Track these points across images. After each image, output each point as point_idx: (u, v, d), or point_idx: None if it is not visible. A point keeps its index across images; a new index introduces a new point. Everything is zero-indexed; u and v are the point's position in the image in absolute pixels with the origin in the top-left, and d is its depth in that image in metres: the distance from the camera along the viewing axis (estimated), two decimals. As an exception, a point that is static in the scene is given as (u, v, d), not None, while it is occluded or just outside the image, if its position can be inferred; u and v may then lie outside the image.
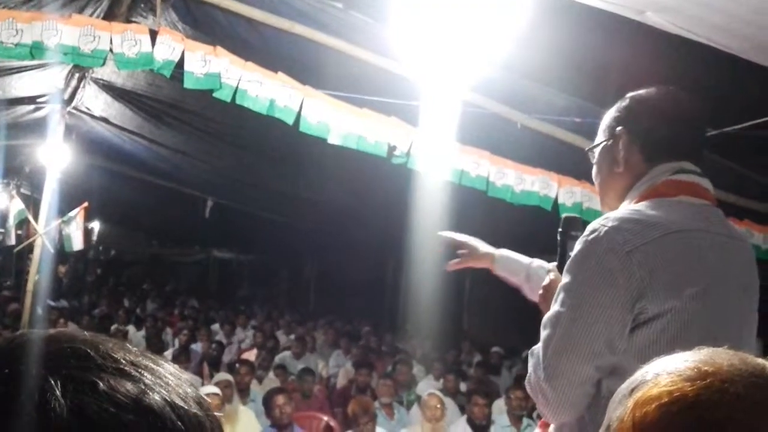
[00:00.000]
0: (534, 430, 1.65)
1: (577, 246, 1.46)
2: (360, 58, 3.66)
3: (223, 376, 6.04)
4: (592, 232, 1.44)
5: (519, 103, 3.93)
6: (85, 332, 0.58)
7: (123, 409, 0.50)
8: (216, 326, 11.24)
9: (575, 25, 3.04)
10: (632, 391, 0.72)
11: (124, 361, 0.54)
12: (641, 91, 1.64)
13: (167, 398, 0.53)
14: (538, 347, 1.49)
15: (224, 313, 12.83)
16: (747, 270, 1.55)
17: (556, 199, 4.27)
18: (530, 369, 1.51)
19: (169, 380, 0.55)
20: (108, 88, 5.27)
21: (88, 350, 0.53)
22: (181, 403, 0.54)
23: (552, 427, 1.54)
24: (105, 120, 6.15)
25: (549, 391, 1.43)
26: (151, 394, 0.52)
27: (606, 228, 1.42)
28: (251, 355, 8.52)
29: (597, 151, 1.69)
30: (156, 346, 8.47)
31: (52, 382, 0.49)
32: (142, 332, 10.05)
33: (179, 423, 0.52)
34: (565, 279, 1.47)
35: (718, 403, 0.64)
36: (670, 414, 0.65)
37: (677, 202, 1.50)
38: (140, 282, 19.86)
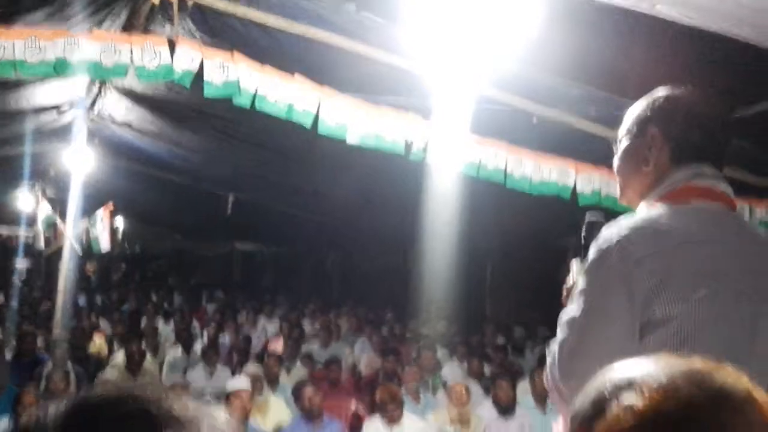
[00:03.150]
0: (558, 416, 1.72)
1: (592, 252, 1.50)
2: (375, 59, 3.70)
3: (253, 367, 6.19)
4: (605, 241, 1.47)
5: (534, 95, 3.95)
6: (148, 388, 0.66)
7: None
8: (243, 317, 11.43)
9: (590, 18, 3.07)
10: (595, 415, 0.76)
11: (180, 416, 0.62)
12: (675, 91, 1.63)
13: None
14: (554, 347, 1.53)
15: (250, 305, 13.01)
16: (764, 271, 1.53)
17: (574, 188, 4.30)
18: (547, 367, 1.56)
19: (218, 429, 0.63)
20: (128, 94, 5.36)
21: (151, 409, 0.62)
22: None
23: None
24: (127, 125, 6.27)
25: (564, 390, 1.48)
26: None
27: (619, 236, 1.45)
28: (278, 345, 8.66)
29: (624, 144, 1.69)
30: (185, 340, 8.65)
31: None
32: (171, 326, 10.25)
33: None
34: (580, 284, 1.51)
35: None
36: None
37: (692, 209, 1.52)
38: (166, 276, 20.14)
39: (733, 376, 0.75)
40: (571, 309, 1.52)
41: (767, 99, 3.50)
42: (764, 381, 0.82)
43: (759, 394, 0.75)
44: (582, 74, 3.61)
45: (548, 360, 1.56)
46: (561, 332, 1.53)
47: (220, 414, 0.66)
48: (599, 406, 0.76)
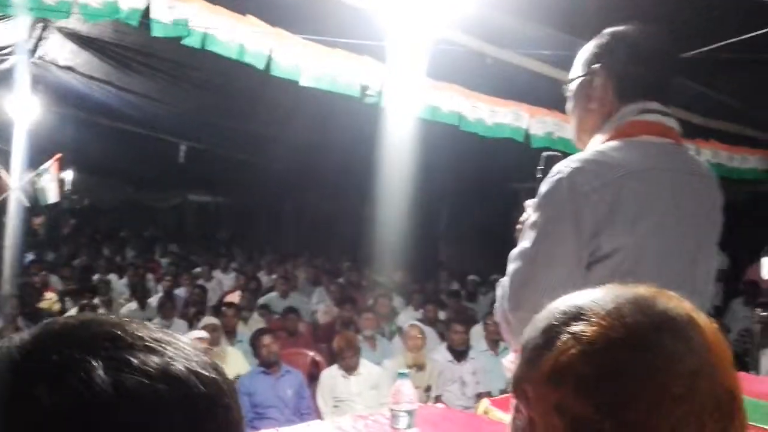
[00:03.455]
0: (509, 353, 1.77)
1: (543, 185, 1.52)
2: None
3: (210, 319, 6.16)
4: (557, 173, 1.50)
5: (490, 36, 3.94)
6: (111, 316, 0.66)
7: (155, 380, 0.58)
8: (198, 270, 11.34)
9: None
10: (544, 346, 0.79)
11: (148, 339, 0.62)
12: (620, 28, 1.65)
13: (189, 367, 0.61)
14: (505, 279, 1.56)
15: (205, 257, 12.90)
16: (707, 205, 1.60)
17: (528, 130, 4.36)
18: (497, 299, 1.59)
19: (187, 351, 0.63)
20: (73, 36, 5.16)
21: (118, 332, 0.61)
22: (201, 370, 0.62)
23: None
24: (71, 69, 6.04)
25: (513, 320, 1.51)
26: (175, 364, 0.60)
27: (569, 169, 1.48)
28: (235, 297, 8.64)
29: (573, 85, 1.70)
30: (140, 294, 8.56)
31: (94, 363, 0.57)
32: (124, 280, 10.12)
33: (202, 387, 0.61)
34: (531, 217, 1.54)
35: (618, 369, 0.72)
36: (581, 381, 0.73)
37: (640, 142, 1.55)
38: (117, 230, 19.79)
39: (675, 302, 0.78)
40: (523, 242, 1.54)
41: (717, 40, 3.58)
42: (705, 309, 0.86)
43: (700, 317, 0.77)
44: (539, 15, 3.61)
45: (498, 293, 1.59)
46: (513, 264, 1.55)
47: (185, 338, 0.66)
48: (549, 334, 0.79)
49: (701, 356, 0.73)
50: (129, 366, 0.58)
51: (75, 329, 0.62)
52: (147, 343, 0.61)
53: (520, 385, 0.82)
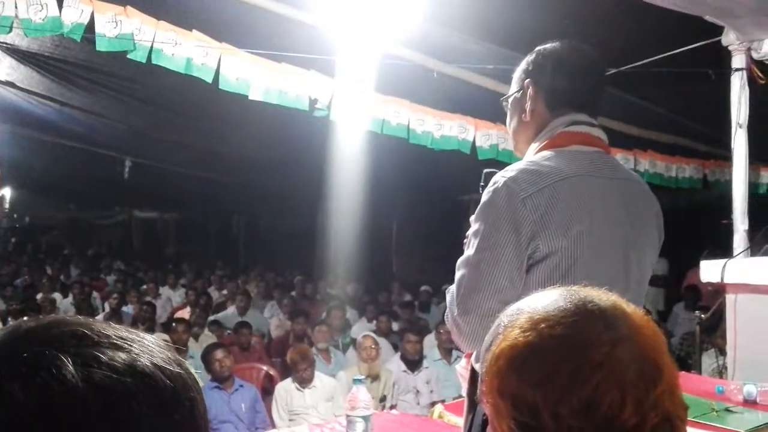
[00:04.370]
0: (462, 360, 1.83)
1: (483, 196, 1.62)
2: (276, 12, 3.65)
3: (160, 336, 6.06)
4: (494, 183, 1.60)
5: (436, 51, 4.02)
6: (77, 317, 0.68)
7: (122, 374, 0.61)
8: (146, 287, 11.12)
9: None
10: (491, 343, 0.90)
11: (114, 337, 0.64)
12: (548, 45, 1.75)
13: (155, 362, 0.64)
14: (453, 286, 1.65)
15: (153, 274, 12.66)
16: (638, 208, 1.71)
17: (473, 142, 4.46)
18: (447, 306, 1.67)
19: (152, 348, 0.66)
20: (12, 51, 5.03)
21: (84, 330, 0.64)
22: (167, 366, 0.65)
23: (473, 355, 1.72)
24: (11, 84, 5.89)
25: (462, 324, 1.59)
26: (142, 360, 0.63)
27: (505, 179, 1.58)
28: (185, 313, 8.50)
29: (510, 100, 1.82)
30: (86, 312, 8.34)
31: (64, 359, 0.59)
32: (70, 299, 9.86)
33: (168, 381, 0.64)
34: (473, 226, 1.63)
35: (542, 346, 0.83)
36: (513, 362, 0.84)
37: (570, 152, 1.66)
38: (60, 248, 19.27)
39: (600, 294, 0.89)
40: (467, 250, 1.63)
41: (651, 55, 3.73)
42: (638, 306, 0.95)
43: (627, 306, 0.88)
44: (481, 31, 3.71)
45: (447, 299, 1.67)
46: (459, 271, 1.63)
47: (150, 336, 0.69)
48: (495, 333, 0.90)
49: (620, 331, 0.82)
50: (97, 361, 0.60)
51: (42, 329, 0.64)
52: (113, 341, 0.63)
53: (481, 385, 0.91)
